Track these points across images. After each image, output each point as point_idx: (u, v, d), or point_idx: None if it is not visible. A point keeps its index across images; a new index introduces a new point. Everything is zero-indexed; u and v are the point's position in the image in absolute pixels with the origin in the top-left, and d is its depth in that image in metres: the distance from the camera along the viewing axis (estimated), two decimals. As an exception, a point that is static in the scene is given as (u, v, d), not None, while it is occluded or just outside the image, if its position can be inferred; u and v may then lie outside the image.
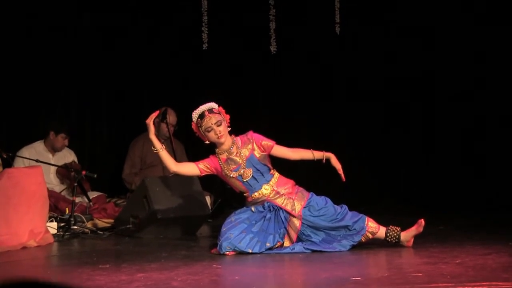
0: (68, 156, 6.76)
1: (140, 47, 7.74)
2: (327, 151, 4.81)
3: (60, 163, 6.57)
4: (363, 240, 4.66)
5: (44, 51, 7.24)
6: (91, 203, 6.27)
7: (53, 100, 7.44)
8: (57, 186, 6.63)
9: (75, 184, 5.84)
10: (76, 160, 6.77)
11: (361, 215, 4.69)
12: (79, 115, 7.63)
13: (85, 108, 7.66)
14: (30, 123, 7.20)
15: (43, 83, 7.29)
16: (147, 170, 6.96)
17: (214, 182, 6.16)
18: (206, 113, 4.70)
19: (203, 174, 4.85)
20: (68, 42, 7.41)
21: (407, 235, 4.67)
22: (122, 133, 7.70)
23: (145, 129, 4.79)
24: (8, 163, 6.08)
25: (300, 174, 5.40)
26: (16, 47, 7.05)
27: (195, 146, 5.64)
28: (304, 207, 4.65)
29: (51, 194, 5.91)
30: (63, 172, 6.54)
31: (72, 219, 5.63)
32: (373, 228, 4.66)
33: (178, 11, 7.66)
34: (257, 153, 4.74)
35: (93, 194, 6.51)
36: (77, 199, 5.95)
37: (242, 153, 4.72)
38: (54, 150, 6.69)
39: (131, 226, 5.55)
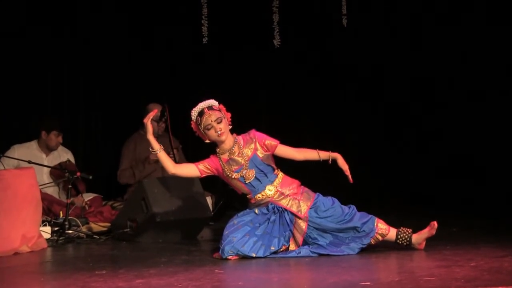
0: (64, 156, 6.66)
1: (137, 42, 7.70)
2: (333, 151, 4.70)
3: (55, 163, 6.47)
4: (372, 243, 4.56)
5: (39, 49, 7.22)
6: (86, 204, 6.19)
7: (45, 100, 7.40)
8: (50, 187, 6.50)
9: (69, 186, 5.76)
10: (72, 159, 6.66)
11: (370, 216, 4.59)
12: (72, 115, 7.57)
13: (79, 108, 7.63)
14: (21, 124, 7.15)
15: (35, 82, 7.27)
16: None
17: (215, 182, 6.08)
18: (206, 110, 4.62)
19: (204, 176, 4.77)
20: (62, 39, 7.38)
21: (419, 238, 4.56)
22: (118, 133, 7.60)
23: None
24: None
25: (306, 174, 5.27)
26: (8, 45, 7.03)
27: (196, 148, 5.56)
28: (310, 208, 4.56)
29: (44, 196, 5.86)
30: (57, 173, 6.43)
31: (66, 223, 5.58)
32: (383, 229, 4.56)
33: (177, 4, 7.61)
34: (260, 153, 4.64)
35: (88, 196, 6.47)
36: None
37: (244, 153, 4.62)
38: (49, 149, 6.57)
39: (128, 230, 5.49)
